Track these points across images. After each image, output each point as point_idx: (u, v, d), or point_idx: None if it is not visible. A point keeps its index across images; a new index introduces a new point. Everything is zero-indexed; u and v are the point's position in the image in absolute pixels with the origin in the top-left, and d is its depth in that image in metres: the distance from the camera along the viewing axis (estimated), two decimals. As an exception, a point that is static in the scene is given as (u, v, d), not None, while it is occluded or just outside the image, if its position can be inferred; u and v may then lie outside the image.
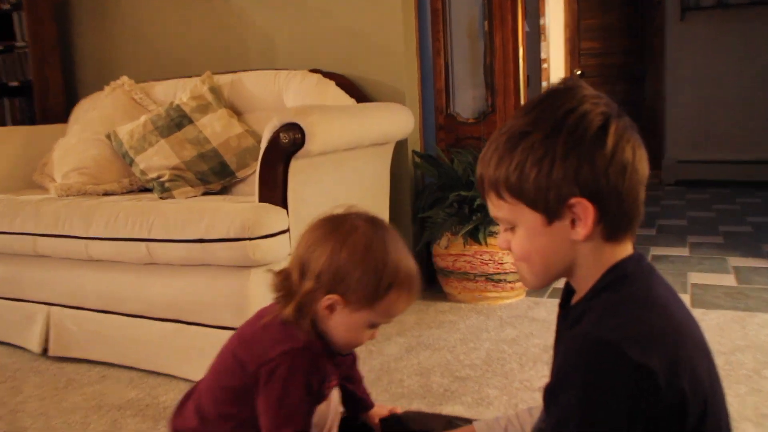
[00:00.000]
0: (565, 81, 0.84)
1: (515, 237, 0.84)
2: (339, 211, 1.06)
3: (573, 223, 0.79)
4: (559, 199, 0.78)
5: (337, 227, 1.03)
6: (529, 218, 0.81)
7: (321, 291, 1.00)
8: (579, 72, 6.32)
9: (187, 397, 1.16)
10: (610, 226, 0.79)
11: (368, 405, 1.30)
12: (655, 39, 5.74)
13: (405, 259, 1.03)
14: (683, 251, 3.08)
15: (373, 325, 1.05)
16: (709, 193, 4.81)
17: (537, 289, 0.86)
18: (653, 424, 0.72)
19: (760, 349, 1.86)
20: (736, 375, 1.70)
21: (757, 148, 5.16)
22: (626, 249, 0.83)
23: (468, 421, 1.21)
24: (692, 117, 5.33)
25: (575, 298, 0.86)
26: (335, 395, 1.20)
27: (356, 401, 1.29)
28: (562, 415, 0.74)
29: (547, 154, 0.77)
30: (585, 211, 0.77)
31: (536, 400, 1.61)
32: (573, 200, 0.77)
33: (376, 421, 1.28)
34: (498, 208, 0.84)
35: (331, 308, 1.02)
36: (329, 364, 1.08)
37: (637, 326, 0.74)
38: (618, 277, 0.80)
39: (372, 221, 1.05)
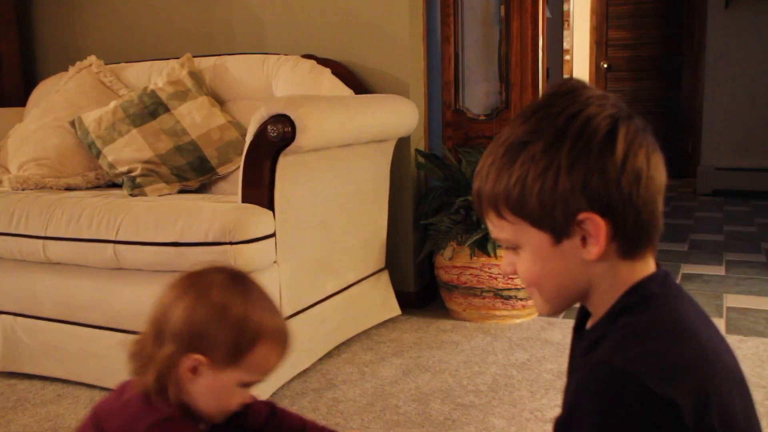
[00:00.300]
0: (566, 82, 0.85)
1: (520, 260, 0.85)
2: (197, 269, 1.11)
3: (584, 241, 0.80)
4: (567, 216, 0.79)
5: (192, 284, 1.08)
6: (534, 238, 0.82)
7: (181, 353, 1.04)
8: (606, 65, 6.38)
9: None
10: (627, 242, 0.80)
11: None
12: (695, 29, 5.80)
13: (268, 312, 1.08)
14: (719, 270, 3.12)
15: (245, 385, 1.09)
16: (751, 206, 4.85)
17: (553, 315, 0.88)
18: None
19: (802, 383, 1.88)
20: (775, 411, 1.73)
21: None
22: (647, 266, 0.84)
23: None
24: (734, 119, 5.36)
25: (591, 322, 0.88)
26: None
27: None
28: None
29: (551, 165, 0.78)
30: (596, 227, 0.78)
31: (548, 433, 1.64)
32: (582, 216, 0.78)
33: None
34: (499, 228, 0.85)
35: (194, 371, 1.05)
36: None
37: (661, 356, 0.75)
38: (640, 298, 0.81)
39: (232, 275, 1.10)
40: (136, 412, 1.07)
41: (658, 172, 0.81)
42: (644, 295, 0.81)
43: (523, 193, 0.80)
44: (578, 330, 0.93)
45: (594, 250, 0.79)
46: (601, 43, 6.37)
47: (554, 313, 0.89)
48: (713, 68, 5.39)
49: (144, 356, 1.07)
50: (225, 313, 1.03)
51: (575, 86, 0.83)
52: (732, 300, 2.67)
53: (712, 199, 5.16)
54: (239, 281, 1.09)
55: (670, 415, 0.71)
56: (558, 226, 0.80)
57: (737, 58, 5.32)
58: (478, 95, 2.73)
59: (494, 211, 0.84)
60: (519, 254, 0.85)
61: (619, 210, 0.78)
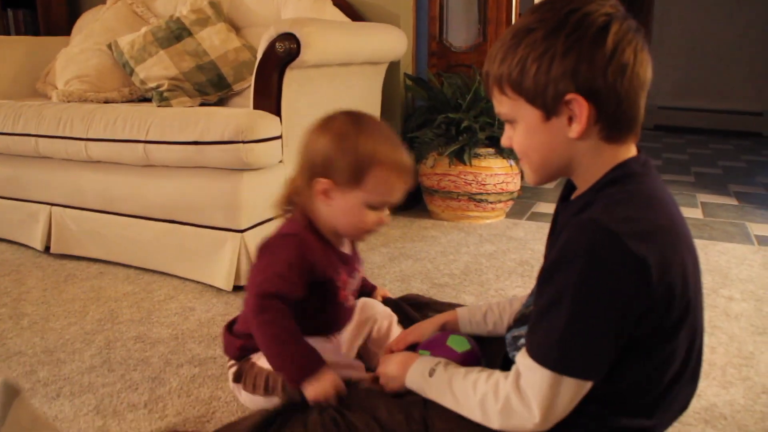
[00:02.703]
0: None
1: (515, 133, 0.83)
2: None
3: (570, 120, 0.78)
4: (557, 96, 0.77)
5: (321, 122, 1.07)
6: (528, 114, 0.80)
7: (311, 178, 1.05)
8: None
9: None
10: (609, 126, 0.78)
11: (369, 288, 1.36)
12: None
13: (383, 142, 1.04)
14: (656, 186, 3.07)
15: (373, 207, 1.05)
16: (685, 139, 4.77)
17: (538, 184, 0.87)
18: (640, 315, 0.74)
19: (719, 273, 1.87)
20: (697, 293, 1.71)
21: (733, 99, 5.10)
22: (629, 151, 0.82)
23: (452, 307, 1.22)
24: (676, 65, 5.22)
25: (577, 193, 0.86)
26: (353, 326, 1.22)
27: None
28: (556, 294, 0.74)
29: (548, 50, 0.76)
30: (580, 107, 0.76)
31: (508, 306, 1.62)
32: (569, 96, 0.76)
33: (380, 300, 1.33)
34: (500, 103, 0.83)
35: (325, 193, 1.04)
36: (333, 254, 1.10)
37: (640, 221, 0.74)
38: (623, 174, 0.80)
39: (354, 114, 1.07)
40: (280, 226, 1.11)
41: (643, 69, 0.79)
42: (627, 172, 0.80)
43: (522, 72, 0.78)
44: (564, 200, 0.91)
45: (576, 128, 0.77)
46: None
47: (539, 182, 0.86)
48: (660, 19, 5.19)
49: (290, 182, 1.11)
50: (342, 142, 1.02)
51: None
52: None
53: (654, 133, 5.08)
54: (359, 119, 1.06)
55: (640, 270, 0.72)
56: (548, 104, 0.78)
57: (682, 9, 5.12)
58: (459, 30, 2.61)
59: (498, 88, 0.82)
60: (515, 128, 0.83)
61: (603, 96, 0.76)
